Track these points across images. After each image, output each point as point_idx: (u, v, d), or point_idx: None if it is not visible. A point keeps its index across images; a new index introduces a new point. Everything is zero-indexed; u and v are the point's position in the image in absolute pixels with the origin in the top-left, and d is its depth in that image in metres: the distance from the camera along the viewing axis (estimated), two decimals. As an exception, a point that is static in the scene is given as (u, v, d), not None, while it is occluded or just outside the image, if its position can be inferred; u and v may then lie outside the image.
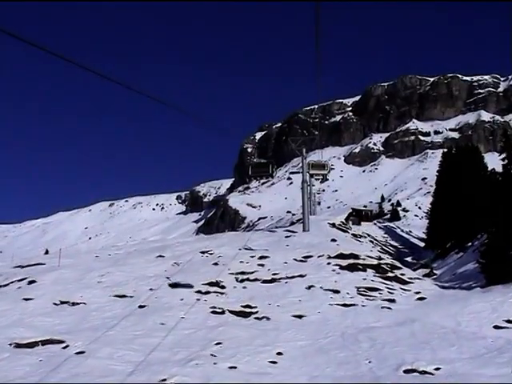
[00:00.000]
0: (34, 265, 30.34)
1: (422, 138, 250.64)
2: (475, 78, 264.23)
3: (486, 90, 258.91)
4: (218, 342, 15.68)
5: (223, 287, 22.31)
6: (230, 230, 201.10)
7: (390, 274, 25.91)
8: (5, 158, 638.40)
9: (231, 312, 19.08)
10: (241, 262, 26.31)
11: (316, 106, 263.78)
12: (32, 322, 17.46)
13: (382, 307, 20.38)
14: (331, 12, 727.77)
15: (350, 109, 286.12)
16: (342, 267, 25.60)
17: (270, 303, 20.18)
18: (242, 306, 19.60)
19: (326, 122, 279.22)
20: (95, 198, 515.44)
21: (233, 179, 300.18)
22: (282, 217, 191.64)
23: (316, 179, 57.72)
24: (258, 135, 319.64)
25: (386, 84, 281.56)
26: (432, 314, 19.18)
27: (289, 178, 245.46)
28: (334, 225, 44.82)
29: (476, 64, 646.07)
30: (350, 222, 61.60)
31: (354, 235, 44.53)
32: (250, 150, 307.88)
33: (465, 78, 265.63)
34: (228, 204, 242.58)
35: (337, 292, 21.85)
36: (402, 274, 26.89)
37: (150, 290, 21.51)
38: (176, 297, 20.52)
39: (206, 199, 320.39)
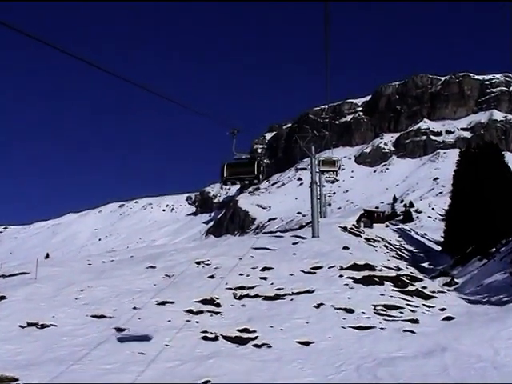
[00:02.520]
0: (18, 274, 27.54)
1: (433, 137, 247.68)
2: (487, 77, 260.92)
3: (498, 89, 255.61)
4: (207, 379, 12.94)
5: (218, 305, 19.30)
6: (239, 231, 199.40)
7: (410, 288, 22.82)
8: (14, 159, 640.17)
9: (225, 338, 16.12)
10: (240, 274, 23.27)
11: (326, 106, 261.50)
12: (-12, 351, 14.68)
13: (404, 330, 17.35)
14: (342, 11, 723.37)
15: (361, 109, 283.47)
16: (355, 280, 22.52)
17: (272, 326, 17.17)
18: (238, 330, 16.62)
19: (337, 122, 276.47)
20: (105, 199, 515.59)
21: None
22: (292, 218, 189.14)
23: (327, 180, 55.33)
24: (268, 136, 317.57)
25: (396, 83, 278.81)
26: (463, 338, 16.29)
27: (299, 179, 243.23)
28: (345, 228, 41.85)
29: (488, 63, 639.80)
30: (362, 224, 58.65)
31: (368, 240, 41.45)
32: (260, 150, 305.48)
33: (476, 76, 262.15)
34: (238, 205, 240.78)
35: (350, 311, 18.78)
36: (424, 287, 23.80)
37: (134, 308, 18.58)
38: (163, 318, 17.59)
39: (216, 200, 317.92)
